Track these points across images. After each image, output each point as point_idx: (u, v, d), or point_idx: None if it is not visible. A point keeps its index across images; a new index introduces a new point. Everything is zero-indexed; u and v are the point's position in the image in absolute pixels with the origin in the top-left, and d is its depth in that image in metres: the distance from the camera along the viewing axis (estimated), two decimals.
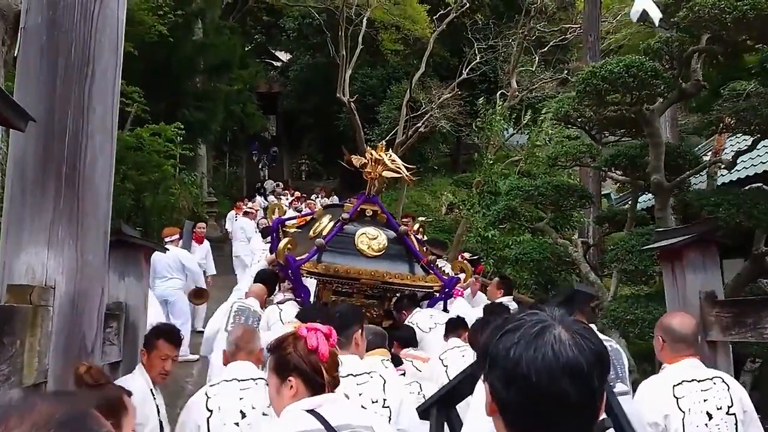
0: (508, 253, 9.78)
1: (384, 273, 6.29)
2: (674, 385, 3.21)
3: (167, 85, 17.42)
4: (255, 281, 6.85)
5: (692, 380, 3.21)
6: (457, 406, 3.33)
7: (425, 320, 6.26)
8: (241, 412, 3.26)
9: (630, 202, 8.63)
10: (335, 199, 19.17)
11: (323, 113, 26.23)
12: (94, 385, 2.61)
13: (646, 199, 10.09)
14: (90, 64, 2.76)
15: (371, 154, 6.62)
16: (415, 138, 18.72)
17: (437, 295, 6.70)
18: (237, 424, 3.22)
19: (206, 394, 3.34)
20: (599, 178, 10.73)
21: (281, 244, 6.35)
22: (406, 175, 6.77)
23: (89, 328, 2.78)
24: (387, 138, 20.15)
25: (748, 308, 4.31)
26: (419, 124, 18.62)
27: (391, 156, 6.63)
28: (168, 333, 3.74)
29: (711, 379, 3.24)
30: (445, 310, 6.79)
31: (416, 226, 7.31)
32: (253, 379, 3.39)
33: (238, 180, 28.89)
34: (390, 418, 3.23)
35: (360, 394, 3.23)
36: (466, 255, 10.19)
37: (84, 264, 2.74)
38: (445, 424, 3.19)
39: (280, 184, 27.85)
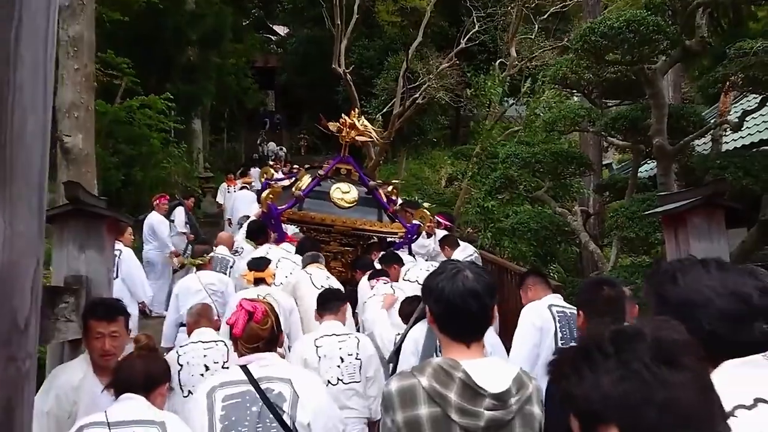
0: (506, 224, 9.46)
1: (355, 220, 7.40)
2: None
3: (157, 57, 17.02)
4: (246, 231, 7.92)
5: None
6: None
7: (423, 274, 6.84)
8: (205, 366, 4.12)
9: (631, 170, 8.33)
10: None
11: (321, 87, 25.74)
12: (154, 350, 3.27)
13: (648, 169, 9.76)
14: (16, 4, 2.42)
15: (345, 119, 7.66)
16: (413, 110, 18.24)
17: (402, 240, 7.81)
18: (202, 375, 4.03)
19: (177, 352, 4.22)
20: (600, 145, 10.39)
21: (264, 194, 7.52)
22: (377, 139, 8.40)
23: (22, 303, 2.44)
24: (384, 110, 19.77)
25: None
26: (417, 96, 18.16)
27: (363, 122, 7.75)
28: (95, 309, 3.39)
29: None
30: (410, 254, 7.88)
31: (389, 188, 8.22)
32: (215, 341, 4.25)
33: (237, 155, 28.46)
34: (361, 368, 4.32)
35: (340, 349, 4.30)
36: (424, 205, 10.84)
37: (14, 235, 2.40)
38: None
39: (283, 148, 27.75)
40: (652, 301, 1.61)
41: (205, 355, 4.14)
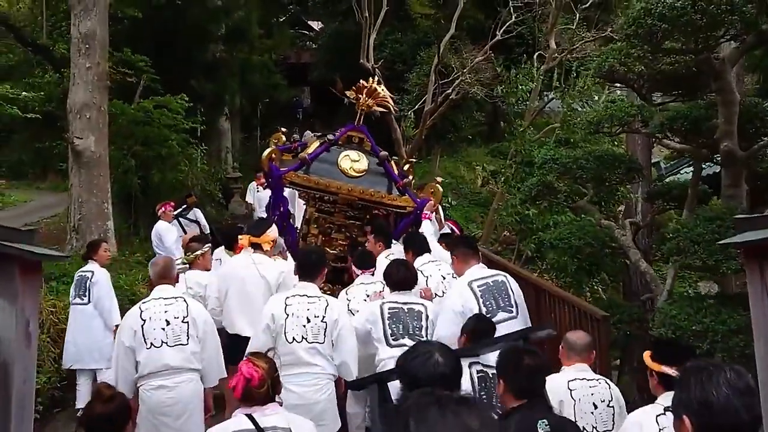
0: (545, 236, 8.43)
1: (362, 189, 7.00)
2: (569, 381, 3.88)
3: (178, 55, 16.38)
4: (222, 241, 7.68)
5: (583, 378, 3.90)
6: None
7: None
8: (166, 320, 4.58)
9: (686, 173, 7.27)
10: None
11: (354, 82, 24.94)
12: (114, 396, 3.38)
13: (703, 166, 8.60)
14: None
15: (363, 83, 7.44)
16: (447, 106, 17.31)
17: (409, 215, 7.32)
18: (163, 329, 4.55)
19: (140, 308, 4.66)
20: (650, 144, 9.26)
21: (265, 153, 7.18)
22: (394, 108, 8.19)
23: None
24: (416, 107, 18.85)
25: None
26: (449, 91, 17.19)
27: (383, 90, 7.46)
28: None
29: (597, 379, 3.94)
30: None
31: (406, 167, 7.92)
32: (174, 298, 4.72)
33: None
34: (326, 330, 4.44)
35: (308, 309, 4.48)
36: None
37: None
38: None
39: (314, 135, 27.27)
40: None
41: (165, 311, 4.60)
